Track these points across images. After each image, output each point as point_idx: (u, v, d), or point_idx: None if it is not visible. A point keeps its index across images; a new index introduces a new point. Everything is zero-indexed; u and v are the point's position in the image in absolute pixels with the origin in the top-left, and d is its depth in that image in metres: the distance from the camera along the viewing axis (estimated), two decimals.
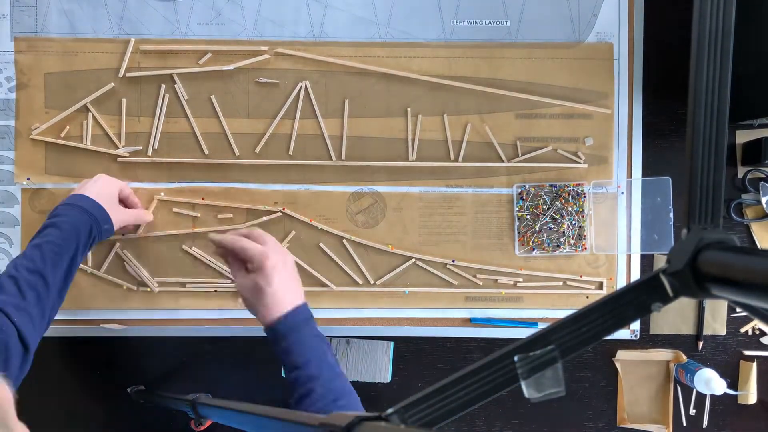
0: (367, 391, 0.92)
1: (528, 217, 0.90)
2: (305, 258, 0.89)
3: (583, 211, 0.90)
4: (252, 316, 0.89)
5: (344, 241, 0.89)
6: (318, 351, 0.69)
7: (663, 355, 0.94)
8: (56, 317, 0.88)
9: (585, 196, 0.90)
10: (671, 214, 0.90)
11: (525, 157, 0.90)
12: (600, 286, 0.91)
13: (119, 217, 0.80)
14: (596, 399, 0.95)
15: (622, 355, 0.93)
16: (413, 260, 0.90)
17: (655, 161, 0.92)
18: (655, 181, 0.90)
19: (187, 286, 0.89)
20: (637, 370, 0.94)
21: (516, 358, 0.37)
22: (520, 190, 0.90)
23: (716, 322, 0.94)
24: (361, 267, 0.90)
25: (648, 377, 0.94)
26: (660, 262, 0.92)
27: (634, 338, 0.93)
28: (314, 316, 0.90)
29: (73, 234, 0.73)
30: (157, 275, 0.89)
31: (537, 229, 0.90)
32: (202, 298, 0.90)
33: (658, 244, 0.90)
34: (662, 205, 0.90)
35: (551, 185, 0.90)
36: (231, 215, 0.89)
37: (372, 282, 0.90)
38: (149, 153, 0.88)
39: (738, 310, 0.94)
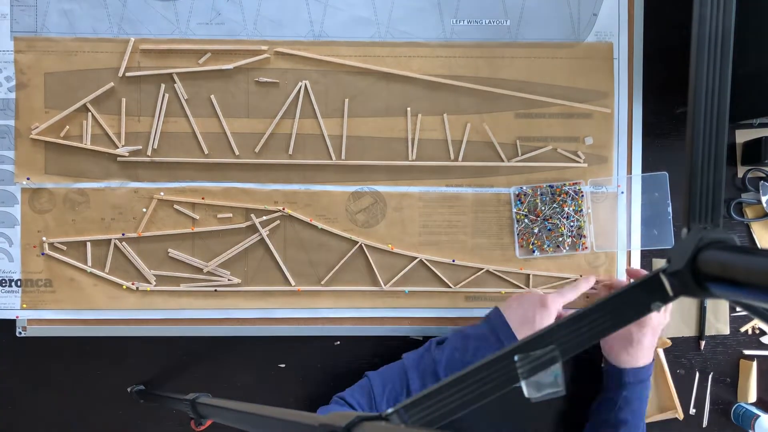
0: None
1: (526, 219, 0.90)
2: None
3: (581, 210, 0.90)
4: (251, 316, 0.90)
5: (362, 245, 0.89)
6: (643, 407, 0.85)
7: None
8: (56, 317, 0.89)
9: (583, 195, 0.90)
10: (670, 209, 0.90)
11: (525, 156, 0.90)
12: None
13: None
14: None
15: None
16: (418, 259, 0.90)
17: (655, 160, 0.92)
18: (652, 177, 0.90)
19: (182, 285, 0.89)
20: None
21: (516, 358, 0.37)
22: (517, 192, 0.90)
23: (719, 322, 0.94)
24: (374, 268, 0.90)
25: None
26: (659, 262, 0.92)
27: None
28: (314, 317, 0.91)
29: None
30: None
31: (536, 231, 0.90)
32: (202, 298, 0.90)
33: (657, 239, 0.90)
34: (660, 200, 0.90)
35: (548, 186, 0.90)
36: (231, 215, 0.89)
37: (383, 284, 0.90)
38: (149, 153, 0.88)
39: (738, 309, 0.94)
